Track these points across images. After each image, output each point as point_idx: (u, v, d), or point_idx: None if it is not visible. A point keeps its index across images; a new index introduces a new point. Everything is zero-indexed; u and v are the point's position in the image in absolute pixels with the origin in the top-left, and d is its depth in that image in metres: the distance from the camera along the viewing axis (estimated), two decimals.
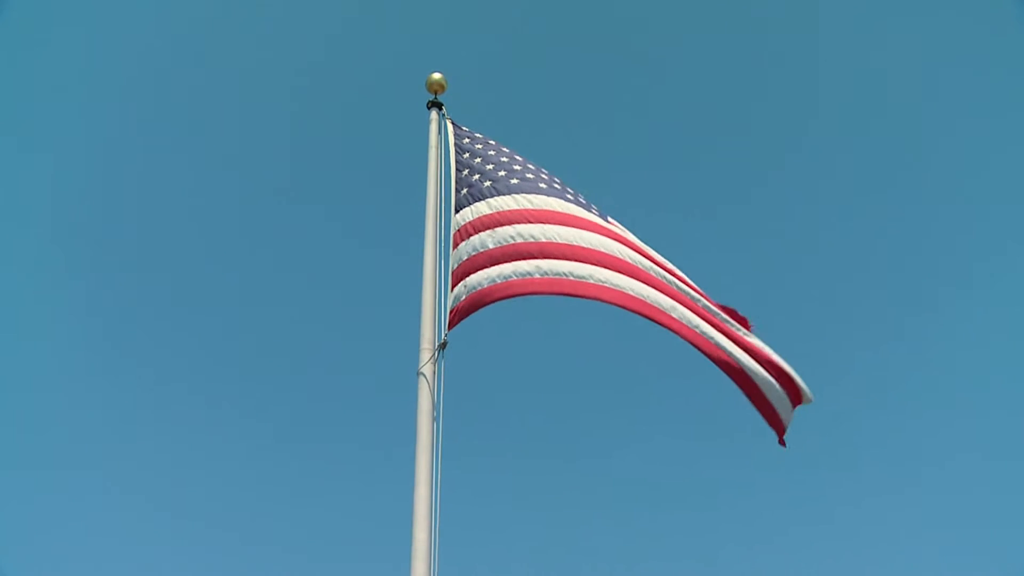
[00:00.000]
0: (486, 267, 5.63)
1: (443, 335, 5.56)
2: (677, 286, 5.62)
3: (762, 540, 14.23)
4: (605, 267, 5.56)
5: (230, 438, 15.10)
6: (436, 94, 6.59)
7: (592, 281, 5.51)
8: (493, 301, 5.61)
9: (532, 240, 5.63)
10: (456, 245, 5.78)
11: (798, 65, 18.25)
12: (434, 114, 6.54)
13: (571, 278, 5.52)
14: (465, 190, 6.03)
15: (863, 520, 14.25)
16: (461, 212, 5.91)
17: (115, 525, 13.31)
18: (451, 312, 5.62)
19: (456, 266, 5.70)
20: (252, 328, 16.37)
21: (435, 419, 5.37)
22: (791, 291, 17.35)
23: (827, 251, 17.40)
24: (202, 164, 17.02)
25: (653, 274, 5.63)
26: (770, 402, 5.48)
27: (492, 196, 5.88)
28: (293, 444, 15.27)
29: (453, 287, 5.64)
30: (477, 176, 6.04)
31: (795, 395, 5.52)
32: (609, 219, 5.98)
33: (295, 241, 17.19)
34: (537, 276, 5.55)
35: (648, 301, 5.46)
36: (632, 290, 5.48)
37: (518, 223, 5.70)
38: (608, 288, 5.47)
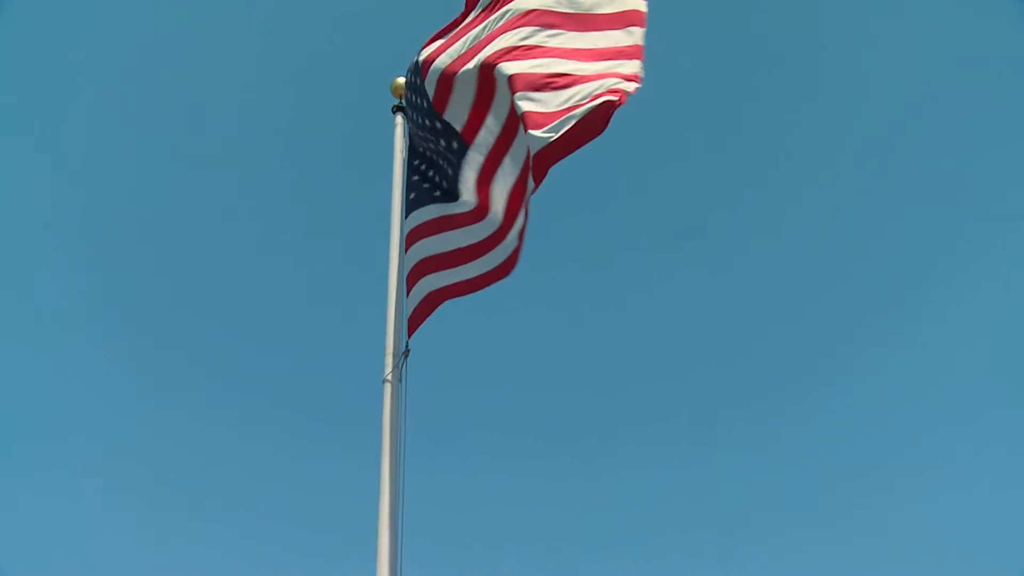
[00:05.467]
0: (436, 271, 5.69)
1: (405, 342, 5.61)
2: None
3: (757, 541, 14.19)
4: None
5: (198, 441, 15.14)
6: (401, 98, 6.59)
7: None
8: (443, 300, 5.68)
9: (473, 243, 5.61)
10: (407, 249, 5.84)
11: (793, 65, 18.15)
12: (399, 118, 6.54)
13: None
14: (414, 194, 6.06)
15: (861, 520, 14.19)
16: (411, 216, 5.95)
17: (99, 525, 13.43)
18: (409, 318, 5.66)
19: (409, 270, 5.73)
20: (221, 330, 16.39)
21: (399, 426, 5.43)
22: (789, 293, 17.27)
23: (825, 252, 17.31)
24: (169, 167, 17.05)
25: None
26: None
27: (442, 200, 5.86)
28: (261, 447, 15.31)
29: (408, 292, 5.68)
30: (426, 180, 6.03)
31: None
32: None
33: (259, 246, 17.20)
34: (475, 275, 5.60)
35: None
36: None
37: (463, 226, 5.67)
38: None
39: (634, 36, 4.91)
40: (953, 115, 16.56)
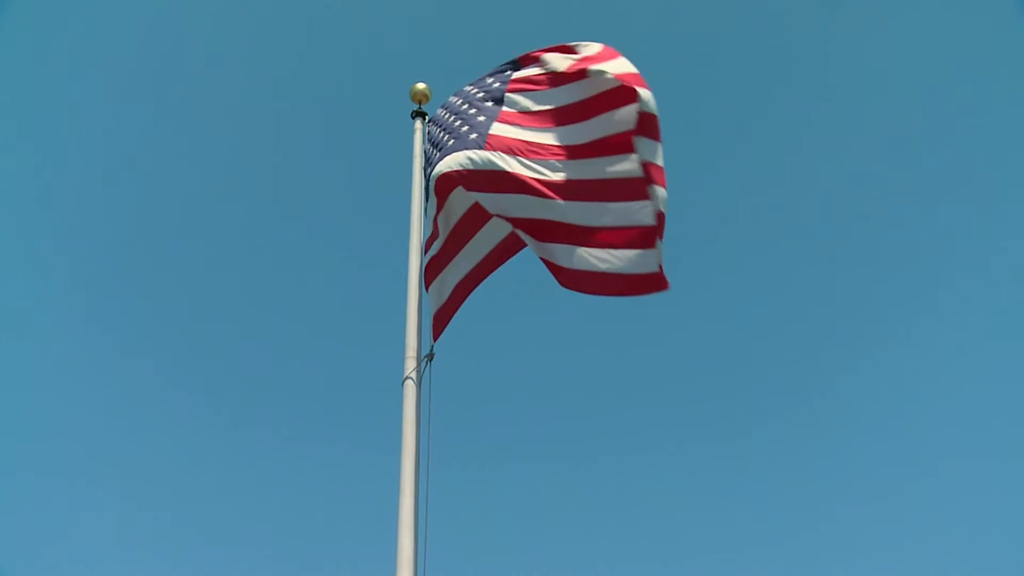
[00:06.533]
0: (450, 261, 5.71)
1: (430, 345, 5.61)
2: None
3: (756, 542, 14.25)
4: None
5: (220, 442, 15.18)
6: (420, 104, 6.63)
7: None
8: (467, 295, 5.71)
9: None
10: (427, 248, 5.88)
11: (797, 65, 18.24)
12: (418, 124, 6.58)
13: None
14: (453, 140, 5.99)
15: (862, 522, 14.27)
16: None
17: (109, 527, 13.42)
18: (434, 319, 5.66)
19: (426, 265, 5.78)
20: (240, 334, 16.44)
21: (419, 428, 5.43)
22: (788, 294, 17.35)
23: (824, 253, 17.40)
24: (186, 170, 17.08)
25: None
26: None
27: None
28: (285, 449, 15.37)
29: (427, 289, 5.72)
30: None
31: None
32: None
33: (281, 249, 17.26)
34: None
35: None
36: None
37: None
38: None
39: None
40: (953, 116, 16.70)
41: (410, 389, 5.50)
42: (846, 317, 16.79)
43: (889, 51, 17.32)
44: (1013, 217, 15.51)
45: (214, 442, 15.15)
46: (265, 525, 14.10)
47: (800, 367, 16.68)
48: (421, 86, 6.62)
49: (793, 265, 17.52)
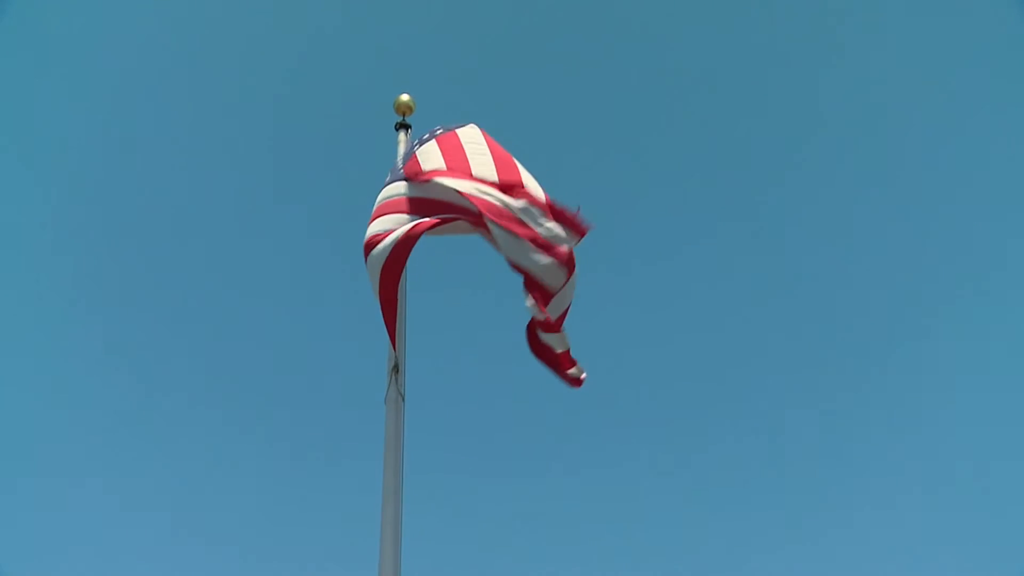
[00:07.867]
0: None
1: (403, 356, 5.63)
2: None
3: (758, 549, 14.24)
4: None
5: (209, 446, 15.23)
6: (404, 116, 6.63)
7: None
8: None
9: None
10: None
11: (796, 64, 18.18)
12: (402, 136, 6.61)
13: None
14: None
15: (863, 524, 14.25)
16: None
17: (108, 527, 13.51)
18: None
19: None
20: (233, 337, 16.49)
21: (401, 439, 5.46)
22: (790, 294, 17.31)
23: (823, 254, 17.36)
24: (184, 170, 17.11)
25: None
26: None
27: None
28: (275, 454, 15.43)
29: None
30: None
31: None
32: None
33: (268, 260, 17.28)
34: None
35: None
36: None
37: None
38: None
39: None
40: (953, 116, 16.63)
41: (390, 402, 5.52)
42: (849, 318, 16.75)
43: (888, 50, 17.25)
44: (1015, 217, 15.46)
45: (213, 443, 15.22)
46: (244, 534, 14.14)
47: (802, 368, 16.63)
48: (405, 98, 6.63)
49: (794, 265, 17.48)
